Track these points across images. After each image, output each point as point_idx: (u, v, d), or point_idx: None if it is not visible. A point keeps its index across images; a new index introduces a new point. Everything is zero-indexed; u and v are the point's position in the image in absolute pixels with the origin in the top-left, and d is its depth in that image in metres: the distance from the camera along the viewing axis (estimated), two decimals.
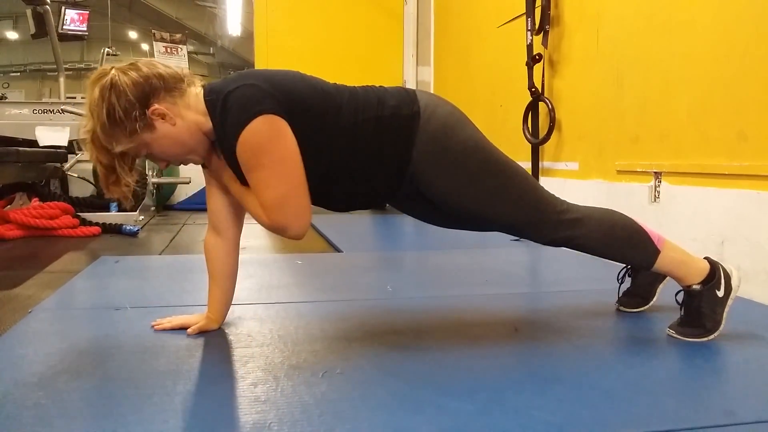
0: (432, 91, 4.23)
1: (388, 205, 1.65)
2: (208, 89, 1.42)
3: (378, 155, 1.44)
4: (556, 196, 1.57)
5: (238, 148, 1.32)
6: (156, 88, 1.35)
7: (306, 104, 1.38)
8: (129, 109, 1.31)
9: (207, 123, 1.40)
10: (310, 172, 1.40)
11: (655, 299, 1.82)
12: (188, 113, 1.39)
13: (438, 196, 1.49)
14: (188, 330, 1.59)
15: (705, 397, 1.23)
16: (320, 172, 1.42)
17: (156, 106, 1.35)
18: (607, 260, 1.67)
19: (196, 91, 1.42)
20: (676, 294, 1.62)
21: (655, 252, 1.55)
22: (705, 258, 1.61)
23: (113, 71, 1.34)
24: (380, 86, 1.51)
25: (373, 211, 5.52)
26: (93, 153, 1.37)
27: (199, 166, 1.56)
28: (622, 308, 1.84)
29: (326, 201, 1.52)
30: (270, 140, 1.31)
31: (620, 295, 1.86)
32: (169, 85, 1.37)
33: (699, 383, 1.31)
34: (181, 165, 1.50)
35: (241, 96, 1.33)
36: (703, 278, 1.56)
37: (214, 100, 1.38)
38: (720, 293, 1.55)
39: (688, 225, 2.32)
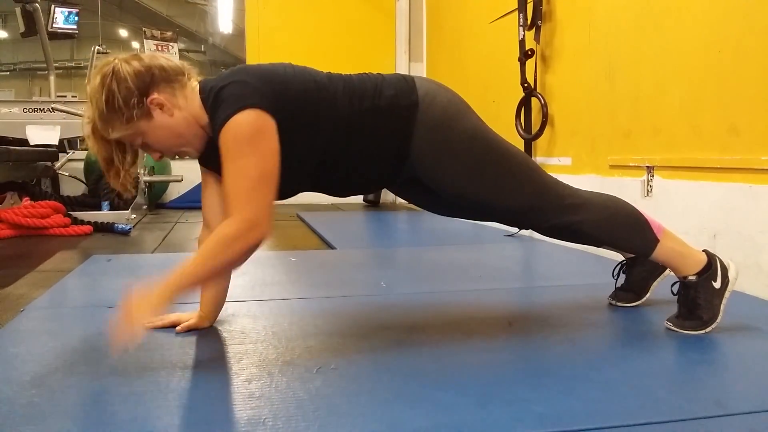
0: None
1: (385, 193, 1.66)
2: (202, 85, 1.42)
3: (376, 145, 1.44)
4: (559, 180, 1.56)
5: (220, 137, 1.31)
6: (157, 79, 1.36)
7: (298, 97, 1.38)
8: (128, 97, 1.32)
9: (204, 117, 1.40)
10: (306, 160, 1.41)
11: (648, 295, 1.82)
12: (186, 105, 1.39)
13: (438, 184, 1.50)
14: (177, 328, 1.58)
15: (697, 388, 1.23)
16: (316, 160, 1.43)
17: (155, 95, 1.35)
18: (600, 255, 1.67)
19: (193, 86, 1.42)
20: (672, 285, 1.63)
21: (654, 241, 1.55)
22: (703, 250, 1.61)
23: (116, 61, 1.35)
24: (378, 74, 1.50)
25: (367, 207, 5.52)
26: (92, 143, 1.39)
27: (195, 163, 1.56)
28: (615, 302, 1.85)
29: (324, 187, 1.53)
30: (252, 133, 1.30)
31: (615, 289, 1.87)
32: (169, 77, 1.38)
33: (691, 375, 1.32)
34: (176, 158, 1.49)
35: (231, 91, 1.33)
36: (700, 269, 1.56)
37: (206, 96, 1.38)
38: (716, 284, 1.56)
39: (680, 219, 2.33)
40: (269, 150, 1.32)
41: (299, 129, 1.38)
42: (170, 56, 1.45)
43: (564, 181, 1.57)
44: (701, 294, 1.55)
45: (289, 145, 1.36)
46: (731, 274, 1.58)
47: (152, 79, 1.36)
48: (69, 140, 5.57)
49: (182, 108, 1.39)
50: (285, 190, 1.47)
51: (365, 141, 1.44)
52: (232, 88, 1.34)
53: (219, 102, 1.34)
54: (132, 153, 1.43)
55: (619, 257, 1.88)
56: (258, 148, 1.30)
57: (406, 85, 1.47)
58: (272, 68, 1.41)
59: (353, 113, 1.41)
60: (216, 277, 1.33)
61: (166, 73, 1.38)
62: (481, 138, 1.48)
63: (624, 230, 1.57)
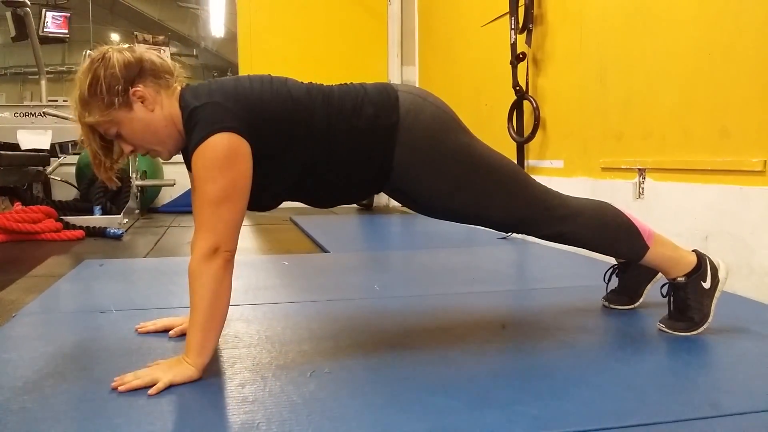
0: None
1: (379, 196, 1.66)
2: (180, 95, 1.40)
3: (355, 164, 1.42)
4: (549, 188, 1.56)
5: (192, 160, 1.30)
6: (145, 72, 1.36)
7: (274, 118, 1.36)
8: (112, 84, 1.32)
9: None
10: (284, 178, 1.40)
11: (641, 299, 1.83)
12: (168, 105, 1.38)
13: (423, 201, 1.50)
14: (170, 332, 1.58)
15: (691, 390, 1.24)
16: (295, 178, 1.41)
17: (140, 87, 1.34)
18: (593, 258, 1.68)
19: (177, 90, 1.41)
20: (662, 287, 1.64)
21: (643, 248, 1.57)
22: (693, 251, 1.62)
23: (109, 49, 1.36)
24: (360, 86, 1.47)
25: (360, 210, 5.52)
26: (78, 128, 1.39)
27: (185, 168, 1.56)
28: (608, 305, 1.85)
29: (306, 200, 1.51)
30: (223, 158, 1.27)
31: (607, 292, 1.87)
32: (157, 73, 1.37)
33: (685, 377, 1.32)
34: (147, 155, 1.47)
35: (206, 113, 1.31)
36: (689, 270, 1.57)
37: (184, 107, 1.37)
38: (706, 285, 1.56)
39: (672, 221, 2.34)
40: (239, 173, 1.30)
41: (275, 150, 1.36)
42: (164, 56, 1.44)
43: (555, 189, 1.57)
44: (691, 295, 1.56)
45: (265, 165, 1.35)
46: (721, 274, 1.59)
47: (140, 72, 1.35)
48: (60, 145, 5.55)
49: (164, 107, 1.37)
50: (266, 203, 1.47)
51: (344, 160, 1.42)
52: (207, 109, 1.32)
53: (194, 122, 1.32)
54: (115, 146, 1.42)
55: (612, 260, 1.89)
56: (227, 174, 1.28)
57: (387, 102, 1.43)
58: (249, 87, 1.38)
59: (330, 133, 1.39)
60: (220, 313, 1.32)
61: (155, 69, 1.37)
62: (466, 154, 1.46)
63: (614, 239, 1.58)
